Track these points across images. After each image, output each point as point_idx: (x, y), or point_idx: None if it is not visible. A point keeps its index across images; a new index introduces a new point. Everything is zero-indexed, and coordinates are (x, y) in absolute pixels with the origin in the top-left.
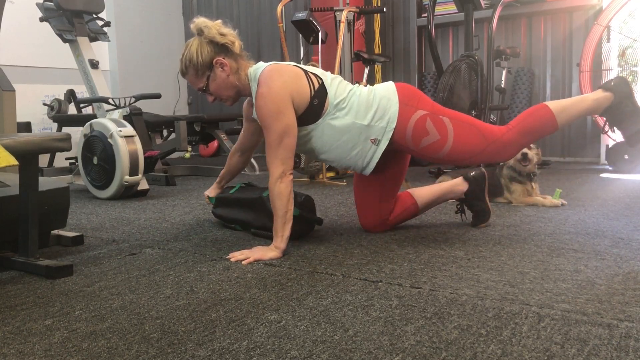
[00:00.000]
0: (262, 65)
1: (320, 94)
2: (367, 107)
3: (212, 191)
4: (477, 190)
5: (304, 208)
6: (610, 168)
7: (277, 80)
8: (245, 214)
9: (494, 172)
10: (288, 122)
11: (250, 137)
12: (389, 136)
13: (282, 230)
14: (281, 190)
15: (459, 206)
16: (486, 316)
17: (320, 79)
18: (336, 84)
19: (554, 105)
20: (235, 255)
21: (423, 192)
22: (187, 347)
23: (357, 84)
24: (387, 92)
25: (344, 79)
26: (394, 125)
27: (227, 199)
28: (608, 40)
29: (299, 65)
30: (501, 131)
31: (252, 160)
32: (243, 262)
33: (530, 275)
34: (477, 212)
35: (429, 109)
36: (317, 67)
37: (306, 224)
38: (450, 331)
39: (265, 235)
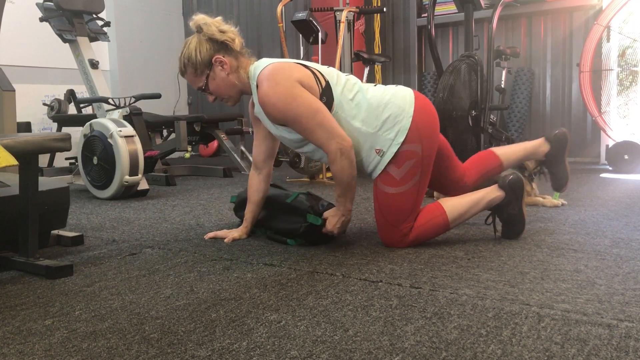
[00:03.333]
0: (263, 62)
1: (327, 93)
2: (377, 114)
3: (239, 232)
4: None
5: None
6: (610, 168)
7: (279, 74)
8: (266, 218)
9: None
10: (308, 98)
11: (263, 142)
12: (394, 150)
13: (346, 198)
14: (343, 166)
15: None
16: (486, 316)
17: (326, 79)
18: (342, 84)
19: (450, 210)
20: (335, 229)
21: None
22: (187, 347)
23: (372, 85)
24: (403, 102)
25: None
26: (401, 140)
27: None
28: (608, 40)
29: (303, 63)
30: (408, 227)
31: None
32: (336, 233)
33: (530, 275)
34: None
35: (427, 152)
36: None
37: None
38: (450, 331)
39: (280, 240)
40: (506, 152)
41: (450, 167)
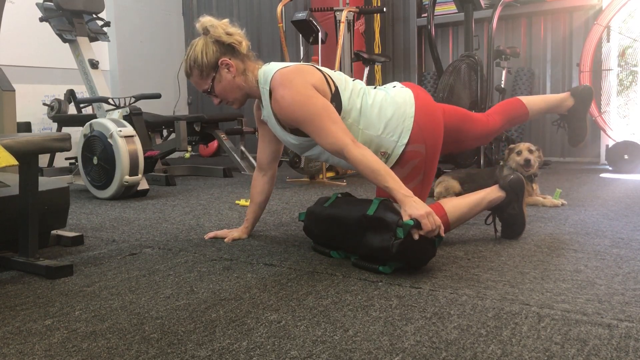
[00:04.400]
0: (273, 67)
1: (336, 98)
2: (378, 117)
3: (239, 232)
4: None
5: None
6: (610, 168)
7: (294, 78)
8: (345, 238)
9: (494, 172)
10: (321, 99)
11: (268, 144)
12: (399, 152)
13: (394, 180)
14: (365, 154)
15: None
16: (486, 316)
17: (336, 84)
18: (350, 90)
19: (451, 211)
20: (429, 227)
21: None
22: (187, 347)
23: (372, 87)
24: (403, 102)
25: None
26: (405, 141)
27: (321, 215)
28: (608, 40)
29: (315, 65)
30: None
31: (252, 160)
32: (435, 221)
33: (530, 275)
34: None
35: (430, 151)
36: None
37: (428, 244)
38: (450, 331)
39: (369, 267)
40: (532, 101)
41: (470, 129)
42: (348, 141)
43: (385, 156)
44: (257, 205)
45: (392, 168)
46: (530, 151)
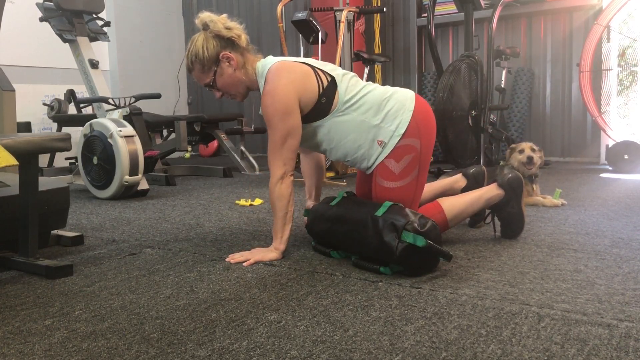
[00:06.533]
0: (270, 60)
1: (329, 91)
2: (378, 107)
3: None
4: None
5: (430, 237)
6: (610, 168)
7: (284, 78)
8: (348, 237)
9: (495, 172)
10: (293, 123)
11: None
12: (395, 142)
13: (282, 231)
14: (282, 192)
15: None
16: (486, 316)
17: (330, 75)
18: (347, 80)
19: (448, 209)
20: (235, 257)
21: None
22: (187, 347)
23: (369, 82)
24: (404, 98)
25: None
26: (402, 131)
27: (325, 213)
28: (608, 40)
29: (308, 62)
30: None
31: (252, 160)
32: (244, 264)
33: (530, 275)
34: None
35: (425, 149)
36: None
37: (433, 256)
38: (450, 331)
39: (369, 268)
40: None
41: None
42: (279, 174)
43: (382, 145)
44: (311, 166)
45: (387, 160)
46: (533, 150)
